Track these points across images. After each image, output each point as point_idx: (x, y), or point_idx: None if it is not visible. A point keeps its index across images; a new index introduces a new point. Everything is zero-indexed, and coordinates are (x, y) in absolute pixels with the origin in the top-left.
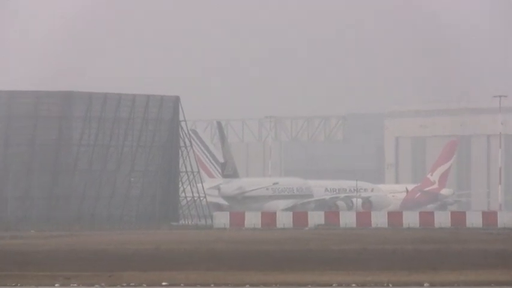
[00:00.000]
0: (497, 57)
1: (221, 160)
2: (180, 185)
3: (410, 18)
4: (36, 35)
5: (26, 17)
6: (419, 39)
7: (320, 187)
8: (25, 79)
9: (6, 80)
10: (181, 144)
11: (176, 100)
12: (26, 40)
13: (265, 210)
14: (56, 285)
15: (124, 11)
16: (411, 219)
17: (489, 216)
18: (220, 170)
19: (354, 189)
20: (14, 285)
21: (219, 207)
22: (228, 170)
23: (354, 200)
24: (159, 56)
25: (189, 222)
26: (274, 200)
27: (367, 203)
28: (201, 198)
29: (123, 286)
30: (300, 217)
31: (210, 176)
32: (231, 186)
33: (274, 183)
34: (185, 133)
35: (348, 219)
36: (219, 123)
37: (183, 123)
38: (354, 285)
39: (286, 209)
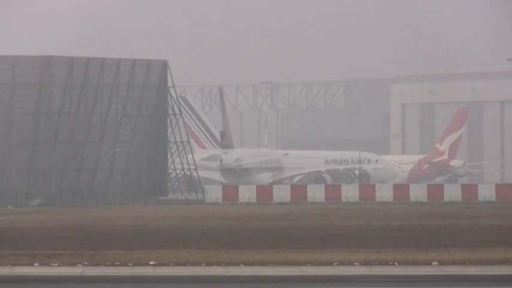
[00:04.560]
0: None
1: (220, 129)
2: (169, 156)
3: None
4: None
5: None
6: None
7: (320, 158)
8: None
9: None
10: (170, 112)
11: (164, 65)
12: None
13: (255, 183)
14: (36, 264)
15: None
16: (419, 192)
17: (503, 189)
18: (211, 140)
19: (357, 161)
20: None
21: (211, 183)
22: (227, 140)
23: (357, 172)
24: (149, 27)
25: (179, 197)
26: (262, 173)
27: (365, 175)
28: (192, 171)
29: (107, 265)
30: (298, 190)
31: (201, 146)
32: (230, 158)
33: (285, 154)
34: (174, 100)
35: (350, 192)
36: (220, 89)
37: (171, 90)
38: (357, 264)
39: (273, 182)
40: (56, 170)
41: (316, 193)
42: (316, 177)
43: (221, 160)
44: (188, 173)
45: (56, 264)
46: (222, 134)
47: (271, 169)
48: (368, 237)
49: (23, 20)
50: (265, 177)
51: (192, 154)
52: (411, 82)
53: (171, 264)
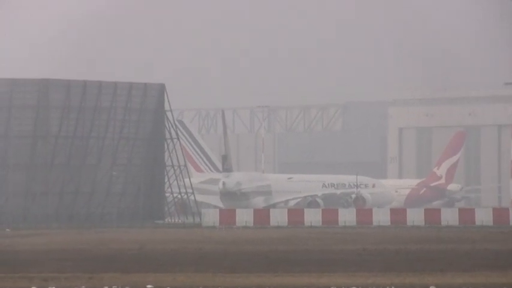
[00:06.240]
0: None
1: (216, 153)
2: (166, 180)
3: (412, 10)
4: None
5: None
6: (422, 28)
7: (317, 182)
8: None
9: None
10: (167, 135)
11: (161, 88)
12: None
13: (251, 207)
14: (33, 287)
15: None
16: (416, 216)
17: (500, 213)
18: (208, 163)
19: (354, 185)
20: None
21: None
22: (228, 164)
23: (354, 196)
24: (145, 44)
25: (176, 220)
26: (258, 197)
27: (360, 199)
28: (189, 195)
29: None
30: (295, 214)
31: (198, 170)
32: (231, 181)
33: (289, 178)
34: (171, 124)
35: (347, 216)
36: (222, 112)
37: (168, 113)
38: (354, 287)
39: (267, 206)
40: (53, 193)
41: (313, 217)
42: (310, 201)
43: (224, 184)
44: (185, 196)
45: (53, 287)
46: (224, 158)
47: (267, 193)
48: (365, 261)
49: (18, 43)
50: (259, 201)
51: (189, 178)
52: (408, 105)
53: (168, 287)
